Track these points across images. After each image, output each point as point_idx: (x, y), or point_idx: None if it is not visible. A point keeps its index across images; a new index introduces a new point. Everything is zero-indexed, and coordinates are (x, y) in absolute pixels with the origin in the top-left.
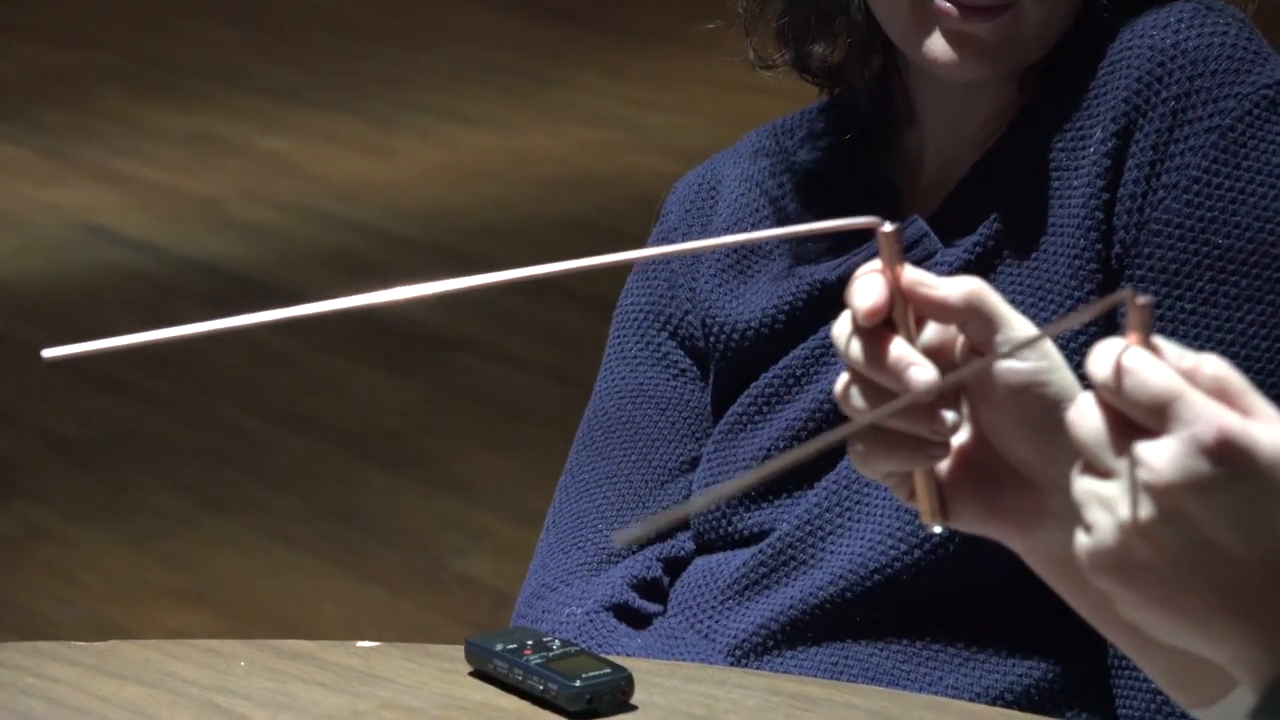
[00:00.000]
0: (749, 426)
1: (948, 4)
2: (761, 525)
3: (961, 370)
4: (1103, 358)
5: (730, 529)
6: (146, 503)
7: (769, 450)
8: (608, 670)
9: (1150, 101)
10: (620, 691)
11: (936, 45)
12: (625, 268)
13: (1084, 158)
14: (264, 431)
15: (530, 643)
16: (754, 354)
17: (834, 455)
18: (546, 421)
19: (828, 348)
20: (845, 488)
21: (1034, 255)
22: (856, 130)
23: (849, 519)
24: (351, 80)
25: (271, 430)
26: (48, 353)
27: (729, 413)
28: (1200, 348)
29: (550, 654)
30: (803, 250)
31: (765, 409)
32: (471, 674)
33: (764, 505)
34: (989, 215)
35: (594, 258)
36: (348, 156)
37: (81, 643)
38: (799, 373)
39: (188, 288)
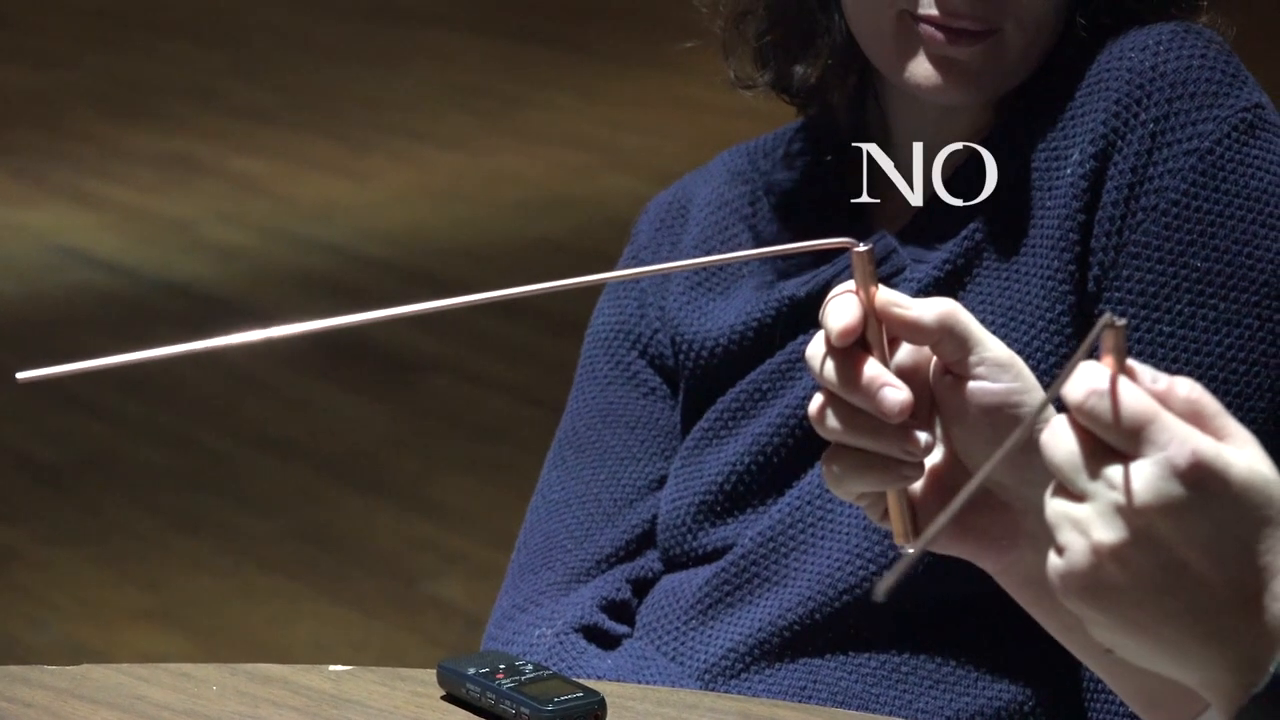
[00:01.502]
0: (714, 441)
1: (932, 29)
2: (725, 540)
3: (1004, 446)
4: (1077, 380)
5: (694, 544)
6: (119, 525)
7: (735, 465)
8: (580, 694)
9: (1129, 124)
10: (593, 715)
11: (920, 69)
12: (597, 288)
13: (1060, 178)
14: (237, 454)
15: (503, 666)
16: (722, 370)
17: (798, 471)
18: (520, 443)
19: (794, 363)
20: (808, 504)
21: (1006, 274)
22: (833, 150)
23: (813, 535)
24: (325, 102)
25: (244, 452)
26: (22, 375)
27: (695, 428)
28: (1178, 370)
29: (522, 678)
30: (773, 267)
31: (731, 424)
32: (444, 698)
33: (727, 520)
34: (959, 233)
35: (566, 280)
36: (321, 178)
37: (54, 666)
38: (765, 387)
39: (161, 309)
